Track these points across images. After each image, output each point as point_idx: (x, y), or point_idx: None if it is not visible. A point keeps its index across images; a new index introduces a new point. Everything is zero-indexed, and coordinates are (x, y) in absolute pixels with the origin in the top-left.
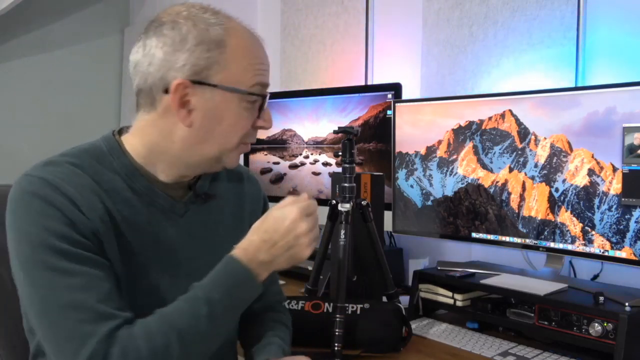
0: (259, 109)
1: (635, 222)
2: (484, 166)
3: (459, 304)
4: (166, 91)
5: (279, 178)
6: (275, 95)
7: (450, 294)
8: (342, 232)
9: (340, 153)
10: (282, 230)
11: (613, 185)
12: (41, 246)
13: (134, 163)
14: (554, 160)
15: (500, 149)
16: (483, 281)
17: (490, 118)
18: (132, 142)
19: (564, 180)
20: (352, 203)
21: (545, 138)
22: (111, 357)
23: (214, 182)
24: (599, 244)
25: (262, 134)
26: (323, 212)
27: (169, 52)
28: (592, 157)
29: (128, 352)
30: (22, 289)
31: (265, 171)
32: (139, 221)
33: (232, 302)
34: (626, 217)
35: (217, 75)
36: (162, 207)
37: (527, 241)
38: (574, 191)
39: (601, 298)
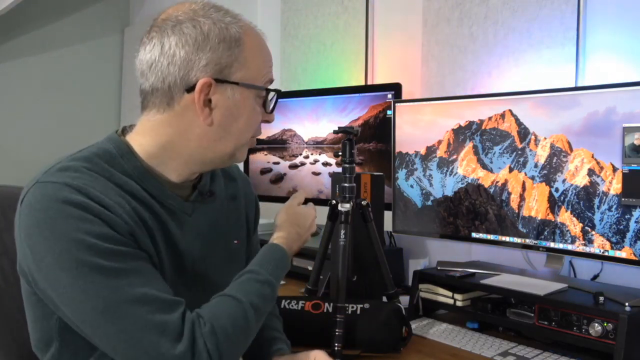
0: (264, 104)
1: (635, 222)
2: (484, 166)
3: (459, 304)
4: (188, 90)
5: (279, 178)
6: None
7: (450, 294)
8: (342, 232)
9: (340, 153)
10: (307, 227)
11: (613, 185)
12: (91, 250)
13: (144, 164)
14: (554, 160)
15: (500, 149)
16: (483, 281)
17: (490, 118)
18: (140, 143)
19: (564, 180)
20: (352, 203)
21: (545, 138)
22: (197, 333)
23: (213, 181)
24: (599, 244)
25: (262, 134)
26: (323, 212)
27: (191, 51)
28: (592, 157)
29: (215, 329)
30: (64, 297)
31: (265, 171)
32: (157, 222)
33: (278, 282)
34: (626, 217)
35: (238, 72)
36: (173, 208)
37: (527, 241)
38: (574, 191)
39: (601, 298)
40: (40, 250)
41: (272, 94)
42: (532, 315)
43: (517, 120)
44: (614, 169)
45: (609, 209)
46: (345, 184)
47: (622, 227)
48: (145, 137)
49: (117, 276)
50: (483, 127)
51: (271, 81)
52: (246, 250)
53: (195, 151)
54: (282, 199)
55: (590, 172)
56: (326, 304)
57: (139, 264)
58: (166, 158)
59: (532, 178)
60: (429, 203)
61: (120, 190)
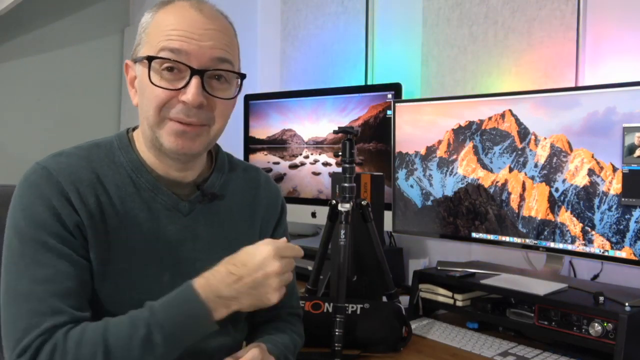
0: (187, 82)
1: (635, 222)
2: (484, 166)
3: (459, 304)
4: None
5: (279, 178)
6: (275, 95)
7: (450, 294)
8: (342, 232)
9: (340, 153)
10: (251, 265)
11: (613, 185)
12: (22, 234)
13: (141, 158)
14: (554, 160)
15: (500, 149)
16: (483, 281)
17: (490, 118)
18: (138, 136)
19: (564, 180)
20: (352, 203)
21: (545, 138)
22: (41, 353)
23: (228, 183)
24: (599, 244)
25: (262, 134)
26: (323, 212)
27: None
28: (592, 157)
29: (55, 353)
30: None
31: (265, 171)
32: (139, 217)
33: (176, 332)
34: (626, 217)
35: (142, 49)
36: (165, 204)
37: (527, 241)
38: (574, 191)
39: (601, 298)
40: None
41: (157, 61)
42: (532, 315)
43: (517, 120)
44: (614, 169)
45: (609, 209)
46: (345, 184)
47: (622, 227)
48: (139, 131)
49: (29, 264)
50: (483, 127)
51: (172, 50)
52: None
53: (144, 137)
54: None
55: (590, 172)
56: (326, 304)
57: (58, 262)
58: (149, 150)
59: (532, 178)
60: (429, 203)
61: (100, 183)
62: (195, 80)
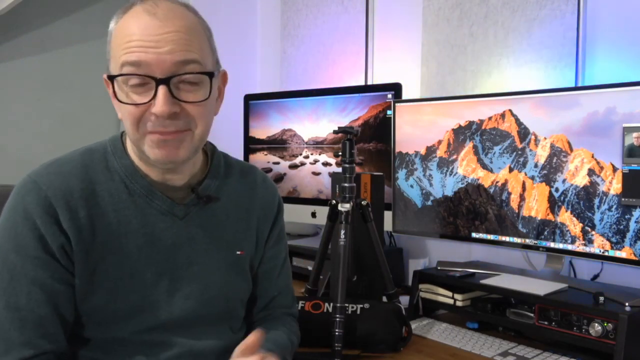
0: (154, 93)
1: (635, 222)
2: (484, 166)
3: (459, 304)
4: None
5: (279, 178)
6: (275, 95)
7: (450, 294)
8: (342, 232)
9: (340, 153)
10: None
11: (613, 185)
12: (3, 255)
13: (134, 163)
14: (554, 160)
15: (500, 149)
16: (483, 281)
17: (490, 118)
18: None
19: (564, 180)
20: (352, 203)
21: (545, 138)
22: None
23: (224, 184)
24: (599, 244)
25: (262, 134)
26: (323, 212)
27: None
28: (592, 157)
29: None
30: None
31: (265, 171)
32: (133, 223)
33: None
34: (626, 217)
35: (110, 67)
36: (160, 209)
37: (527, 241)
38: (574, 191)
39: (601, 298)
40: None
41: (122, 78)
42: (532, 315)
43: (517, 120)
44: (614, 169)
45: (609, 209)
46: (345, 184)
47: (622, 227)
48: None
49: (5, 289)
50: (483, 127)
51: (133, 64)
52: (252, 263)
53: (131, 148)
54: (283, 200)
55: (590, 172)
56: (326, 304)
57: (33, 289)
58: (136, 158)
59: (532, 178)
60: (429, 203)
61: (92, 192)
62: (161, 91)
